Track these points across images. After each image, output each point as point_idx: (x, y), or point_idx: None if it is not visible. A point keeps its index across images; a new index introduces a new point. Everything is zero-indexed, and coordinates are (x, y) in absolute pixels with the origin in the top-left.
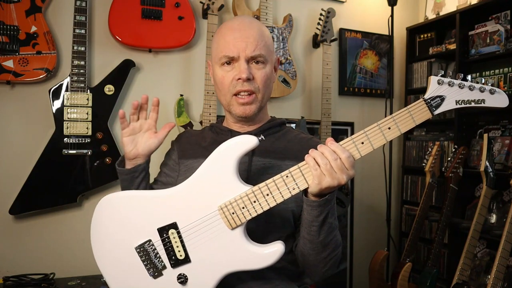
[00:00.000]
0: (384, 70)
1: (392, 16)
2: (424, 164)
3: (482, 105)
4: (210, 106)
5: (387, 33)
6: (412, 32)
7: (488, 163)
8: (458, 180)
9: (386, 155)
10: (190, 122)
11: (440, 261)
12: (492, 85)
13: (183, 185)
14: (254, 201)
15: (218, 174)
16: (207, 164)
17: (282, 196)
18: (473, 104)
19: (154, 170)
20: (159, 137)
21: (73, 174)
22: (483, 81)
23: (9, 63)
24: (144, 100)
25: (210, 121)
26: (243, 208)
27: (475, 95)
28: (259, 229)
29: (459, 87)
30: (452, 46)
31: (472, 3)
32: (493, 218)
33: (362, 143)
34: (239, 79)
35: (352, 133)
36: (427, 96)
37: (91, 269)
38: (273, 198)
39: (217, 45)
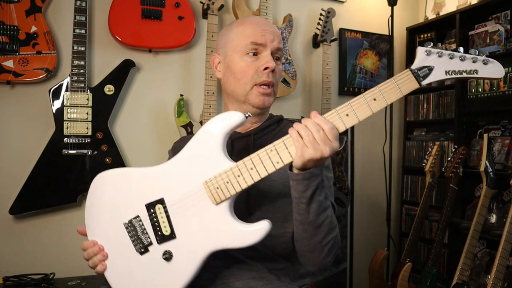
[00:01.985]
0: (384, 70)
1: (392, 16)
2: (424, 164)
3: (475, 75)
4: (210, 106)
5: (387, 33)
6: (412, 32)
7: (488, 163)
8: (458, 180)
9: (386, 155)
10: (190, 122)
11: (440, 261)
12: (487, 56)
13: (172, 161)
14: (238, 176)
15: (205, 150)
16: (194, 141)
17: (266, 170)
18: (464, 75)
19: None
20: None
21: (73, 174)
22: (476, 53)
23: (9, 63)
24: None
25: None
26: (227, 182)
27: (467, 66)
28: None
29: (449, 57)
30: (452, 46)
31: (472, 3)
32: (493, 218)
33: (347, 115)
34: (266, 68)
35: (352, 133)
36: (414, 66)
37: (91, 269)
38: (257, 172)
39: (241, 35)
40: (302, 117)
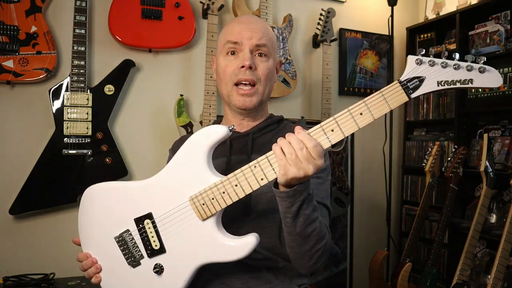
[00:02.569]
0: (384, 70)
1: (392, 16)
2: (424, 164)
3: (470, 85)
4: (210, 106)
5: (387, 33)
6: (412, 32)
7: (488, 163)
8: (458, 180)
9: (386, 155)
10: (190, 122)
11: (440, 261)
12: (483, 62)
13: (159, 175)
14: (223, 192)
15: (190, 164)
16: (180, 155)
17: (250, 186)
18: (458, 85)
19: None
20: None
21: (73, 174)
22: (472, 59)
23: (9, 63)
24: None
25: (210, 121)
26: (212, 199)
27: (461, 75)
28: (250, 228)
29: (442, 66)
30: (452, 46)
31: (472, 3)
32: (493, 218)
33: (332, 130)
34: (242, 67)
35: (352, 133)
36: (403, 77)
37: None
38: (242, 188)
39: (223, 35)
40: (302, 117)
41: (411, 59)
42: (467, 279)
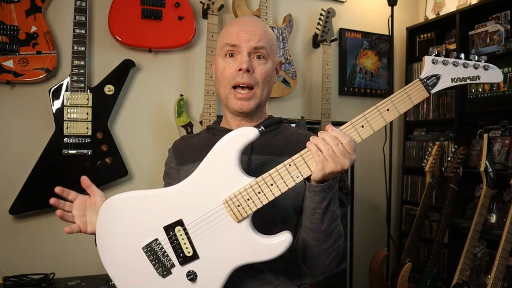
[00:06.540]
0: (384, 70)
1: (392, 16)
2: (424, 164)
3: (478, 81)
4: (210, 106)
5: (387, 33)
6: (412, 32)
7: (488, 163)
8: (458, 180)
9: (386, 155)
10: (190, 122)
11: (440, 261)
12: (486, 61)
13: (187, 181)
14: (259, 192)
15: (221, 167)
16: (209, 159)
17: (286, 185)
18: (468, 81)
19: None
20: (96, 202)
21: (73, 174)
22: (476, 58)
23: (9, 63)
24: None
25: (210, 121)
26: (248, 200)
27: (470, 72)
28: (258, 229)
29: (454, 65)
30: (452, 46)
31: (472, 3)
32: (493, 218)
33: (362, 126)
34: (240, 70)
35: None
36: (422, 75)
37: (91, 269)
38: (278, 187)
39: (221, 37)
40: (302, 117)
41: (428, 59)
42: (467, 279)
